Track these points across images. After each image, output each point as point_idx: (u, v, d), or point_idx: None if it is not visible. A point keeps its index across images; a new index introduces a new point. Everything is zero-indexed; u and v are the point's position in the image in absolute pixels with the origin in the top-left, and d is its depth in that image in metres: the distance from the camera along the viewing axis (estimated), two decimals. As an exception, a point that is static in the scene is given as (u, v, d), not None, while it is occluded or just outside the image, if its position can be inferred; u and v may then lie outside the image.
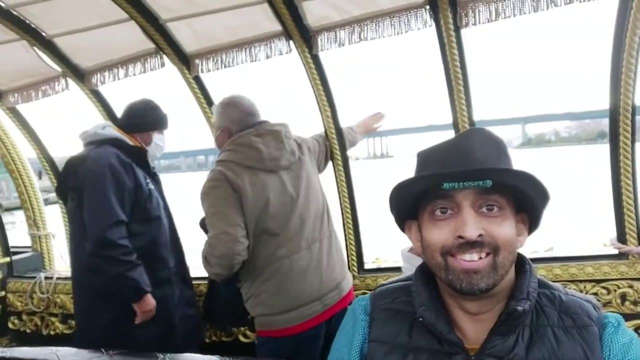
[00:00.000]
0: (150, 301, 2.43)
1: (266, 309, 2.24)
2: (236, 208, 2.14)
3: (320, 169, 2.68)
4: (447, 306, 1.03)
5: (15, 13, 2.63)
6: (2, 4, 2.55)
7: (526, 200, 0.98)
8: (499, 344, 0.95)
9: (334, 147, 2.79)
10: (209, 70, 2.77)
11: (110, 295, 2.42)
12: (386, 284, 1.16)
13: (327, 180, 2.69)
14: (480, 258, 0.93)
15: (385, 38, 2.43)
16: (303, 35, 2.55)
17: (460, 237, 0.92)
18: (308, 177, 2.37)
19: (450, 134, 1.74)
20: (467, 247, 0.92)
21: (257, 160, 2.21)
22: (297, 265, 2.23)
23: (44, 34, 2.79)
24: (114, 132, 2.56)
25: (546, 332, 0.96)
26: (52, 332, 3.57)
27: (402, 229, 1.11)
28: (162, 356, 1.84)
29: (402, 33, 2.38)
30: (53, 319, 3.58)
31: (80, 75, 3.01)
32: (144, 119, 2.63)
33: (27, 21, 2.69)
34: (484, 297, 0.96)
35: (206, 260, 2.18)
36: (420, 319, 1.00)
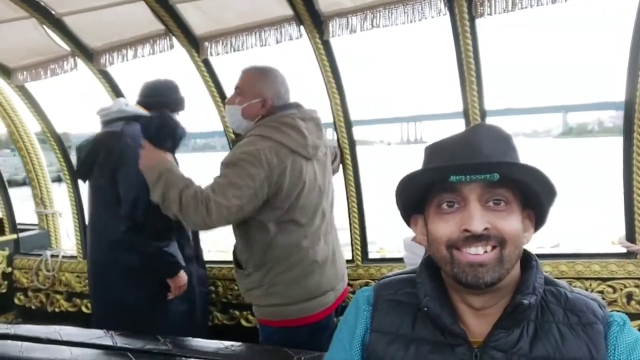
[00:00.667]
0: (184, 276, 2.49)
1: (281, 299, 2.14)
2: (256, 196, 1.98)
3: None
4: (451, 300, 1.02)
5: (24, -10, 2.61)
6: (12, -19, 2.53)
7: (533, 195, 0.97)
8: (502, 338, 0.95)
9: (342, 135, 2.76)
10: (217, 54, 2.74)
11: (143, 272, 2.43)
12: (390, 276, 1.16)
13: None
14: (486, 252, 0.92)
15: (398, 26, 2.38)
16: (314, 21, 2.51)
17: (466, 230, 0.92)
18: (330, 170, 2.36)
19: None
20: (473, 240, 0.92)
21: (302, 146, 2.07)
22: (318, 256, 2.18)
23: (53, 12, 2.76)
24: (139, 109, 2.54)
25: (551, 328, 0.95)
26: (56, 310, 3.62)
27: (408, 223, 1.11)
28: (162, 339, 1.86)
29: (415, 21, 2.34)
30: (58, 296, 3.62)
31: (89, 55, 2.99)
32: (166, 98, 2.59)
33: (37, -1, 2.66)
34: (489, 292, 0.96)
35: (188, 208, 1.96)
36: (425, 309, 1.00)
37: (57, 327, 1.92)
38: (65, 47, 3.00)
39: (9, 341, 1.82)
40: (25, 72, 3.19)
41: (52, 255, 3.66)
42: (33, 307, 3.70)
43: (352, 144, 2.82)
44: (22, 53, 3.09)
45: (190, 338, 1.95)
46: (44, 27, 2.88)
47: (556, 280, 1.05)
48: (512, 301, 0.96)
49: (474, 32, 2.36)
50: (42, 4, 2.70)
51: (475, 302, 0.99)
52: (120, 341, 1.82)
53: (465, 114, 2.53)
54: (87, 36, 2.92)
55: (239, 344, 1.86)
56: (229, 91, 2.55)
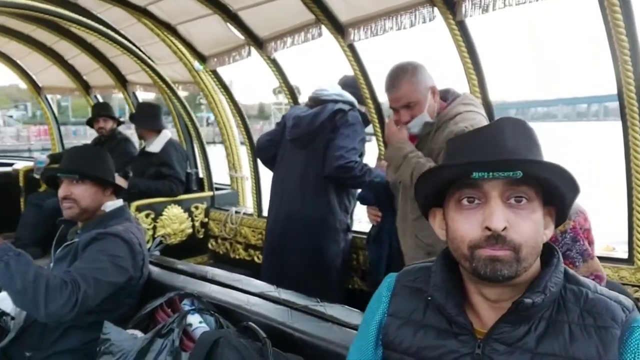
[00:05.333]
0: None
1: None
2: None
3: None
4: (466, 291, 1.05)
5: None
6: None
7: (556, 192, 0.95)
8: (507, 332, 0.96)
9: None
10: (359, 39, 2.92)
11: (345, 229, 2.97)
12: (415, 264, 1.21)
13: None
14: (505, 249, 0.93)
15: (531, 3, 2.21)
16: (446, 2, 2.49)
17: (487, 228, 0.92)
18: None
19: None
20: (493, 240, 0.92)
21: None
22: None
23: (230, 8, 3.28)
24: (351, 97, 2.96)
25: (562, 327, 0.94)
26: (237, 257, 4.36)
27: (427, 216, 1.13)
28: (320, 302, 1.93)
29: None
30: (238, 245, 4.36)
31: (259, 43, 3.47)
32: (359, 92, 3.07)
33: (217, -2, 3.21)
34: (505, 285, 0.96)
35: None
36: (429, 299, 1.05)
37: (242, 277, 2.25)
38: (242, 37, 3.54)
39: (208, 283, 2.22)
40: (215, 59, 3.86)
41: (236, 212, 4.40)
42: (221, 252, 4.52)
43: None
44: (212, 43, 3.75)
45: (344, 306, 1.95)
46: (228, 23, 3.44)
47: (581, 279, 1.01)
48: (519, 298, 0.96)
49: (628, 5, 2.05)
50: (222, 1, 3.23)
51: (490, 294, 0.99)
52: (285, 296, 1.98)
53: (620, 95, 2.24)
54: (258, 27, 3.39)
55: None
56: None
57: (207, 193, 4.65)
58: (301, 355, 1.61)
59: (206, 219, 4.58)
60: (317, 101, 2.91)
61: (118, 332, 1.74)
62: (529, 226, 0.92)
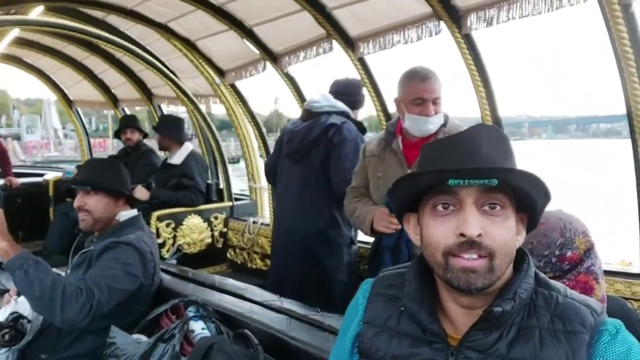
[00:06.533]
0: None
1: None
2: None
3: None
4: (440, 298, 1.06)
5: (224, 9, 3.28)
6: (215, 2, 3.22)
7: (528, 200, 0.97)
8: (479, 339, 0.97)
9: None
10: (369, 53, 2.97)
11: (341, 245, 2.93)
12: (390, 269, 1.21)
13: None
14: (479, 257, 0.94)
15: (535, 16, 2.22)
16: (452, 16, 2.52)
17: (462, 234, 0.93)
18: None
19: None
20: (467, 246, 0.93)
21: None
22: None
23: (245, 24, 3.39)
24: (344, 106, 2.88)
25: (533, 333, 0.95)
26: (254, 267, 4.43)
27: (401, 221, 1.13)
28: (320, 311, 1.97)
29: (552, 10, 2.15)
30: (255, 255, 4.42)
31: (274, 58, 3.57)
32: (357, 97, 2.97)
33: (233, 14, 3.31)
34: (479, 295, 0.97)
35: None
36: (401, 308, 1.07)
37: (248, 286, 2.30)
38: (257, 52, 3.64)
39: (215, 292, 2.28)
40: (233, 73, 3.98)
41: (253, 222, 4.48)
42: (239, 262, 4.59)
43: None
44: (229, 58, 3.86)
45: (342, 316, 2.09)
46: (244, 40, 3.55)
47: (552, 282, 1.03)
48: (489, 307, 0.97)
49: (630, 18, 2.04)
50: (237, 18, 3.34)
51: (464, 301, 1.00)
52: (286, 305, 2.03)
53: (629, 115, 2.22)
54: (272, 42, 3.48)
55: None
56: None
57: (227, 203, 4.75)
58: (296, 362, 1.65)
59: (225, 229, 4.67)
60: (310, 114, 2.89)
61: (123, 337, 1.82)
62: (503, 233, 0.94)
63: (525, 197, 0.95)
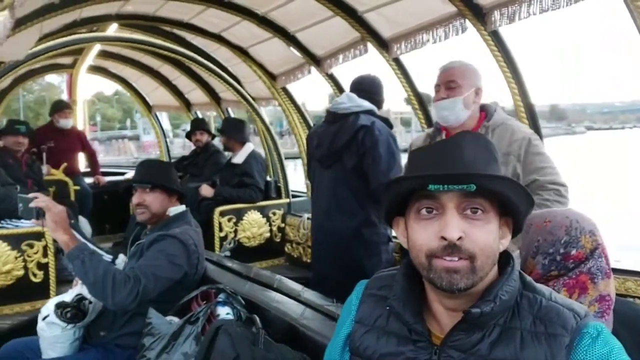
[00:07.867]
0: None
1: None
2: None
3: None
4: (427, 299, 1.11)
5: (268, 18, 3.50)
6: (258, 12, 3.44)
7: (510, 204, 1.00)
8: (461, 339, 1.00)
9: (523, 123, 2.63)
10: (402, 53, 3.03)
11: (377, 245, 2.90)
12: (384, 271, 1.27)
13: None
14: (461, 259, 0.96)
15: (557, 10, 2.19)
16: (476, 14, 2.53)
17: (443, 238, 0.96)
18: None
19: None
20: (449, 249, 0.96)
21: None
22: None
23: (288, 30, 3.58)
24: (371, 105, 2.82)
25: (515, 334, 0.97)
26: (308, 260, 4.60)
27: (390, 224, 1.16)
28: (334, 302, 2.11)
29: (571, 4, 2.10)
30: (309, 250, 4.60)
31: (317, 61, 3.73)
32: (380, 96, 2.94)
33: (275, 22, 3.52)
34: (463, 296, 1.00)
35: None
36: (387, 308, 1.14)
37: (280, 277, 2.47)
38: (301, 56, 3.82)
39: (248, 281, 2.48)
40: (283, 77, 4.19)
41: (307, 218, 4.66)
42: (295, 255, 4.81)
43: (538, 132, 2.67)
44: (279, 62, 4.08)
45: None
46: (291, 47, 3.75)
47: (538, 286, 1.05)
48: (468, 308, 0.99)
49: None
50: (280, 25, 3.54)
51: (449, 303, 1.03)
52: (306, 295, 2.16)
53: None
54: (314, 47, 3.64)
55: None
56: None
57: (284, 200, 4.98)
58: (304, 349, 1.78)
59: (283, 224, 4.90)
60: (335, 116, 2.82)
61: (158, 318, 2.08)
62: (483, 236, 0.97)
63: (507, 201, 0.98)
